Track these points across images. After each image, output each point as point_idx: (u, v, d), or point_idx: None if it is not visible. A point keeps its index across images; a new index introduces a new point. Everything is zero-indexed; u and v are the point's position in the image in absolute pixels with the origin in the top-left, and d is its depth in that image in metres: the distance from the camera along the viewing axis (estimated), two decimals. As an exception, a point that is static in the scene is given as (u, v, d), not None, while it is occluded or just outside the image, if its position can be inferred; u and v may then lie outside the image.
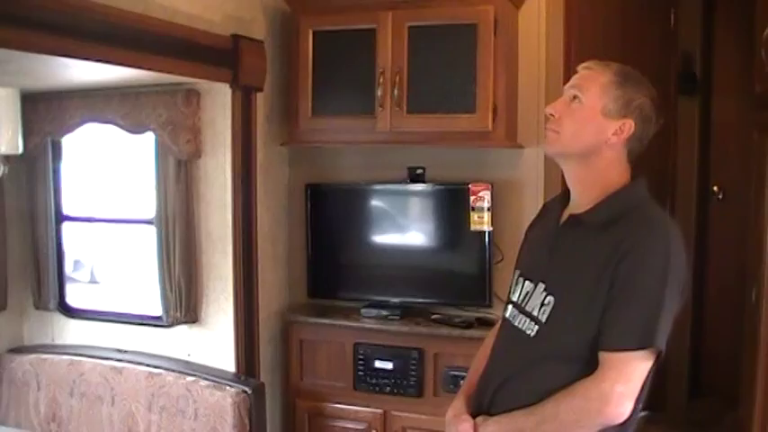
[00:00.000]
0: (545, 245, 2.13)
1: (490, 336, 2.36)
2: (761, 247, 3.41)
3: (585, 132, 2.01)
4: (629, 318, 1.87)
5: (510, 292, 2.23)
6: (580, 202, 2.07)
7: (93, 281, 5.01)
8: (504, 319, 2.21)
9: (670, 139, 4.85)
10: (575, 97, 2.03)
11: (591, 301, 1.91)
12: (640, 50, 4.44)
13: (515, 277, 2.23)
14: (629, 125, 2.00)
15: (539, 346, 2.03)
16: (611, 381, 1.87)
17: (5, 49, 2.67)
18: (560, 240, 2.09)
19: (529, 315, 2.07)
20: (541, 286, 2.06)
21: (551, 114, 2.06)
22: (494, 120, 3.59)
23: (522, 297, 2.13)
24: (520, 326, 2.10)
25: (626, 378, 1.87)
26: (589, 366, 1.90)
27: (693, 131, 5.07)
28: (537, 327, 2.04)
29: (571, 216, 2.08)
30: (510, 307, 2.20)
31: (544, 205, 2.41)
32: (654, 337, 1.86)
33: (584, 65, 2.10)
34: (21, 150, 3.12)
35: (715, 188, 5.23)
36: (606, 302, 1.89)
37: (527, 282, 2.14)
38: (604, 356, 1.89)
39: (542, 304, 2.03)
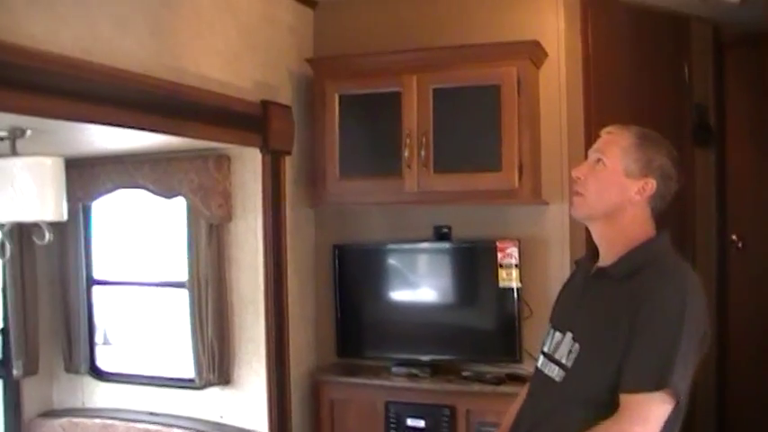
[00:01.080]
0: (574, 297, 2.27)
1: (525, 387, 2.44)
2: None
3: (609, 193, 2.13)
4: (646, 361, 1.95)
5: (542, 344, 2.32)
6: (607, 256, 2.17)
7: (106, 342, 5.02)
8: (537, 369, 2.30)
9: (687, 189, 4.90)
10: (598, 160, 2.15)
11: (611, 347, 1.99)
12: (656, 105, 4.52)
13: (548, 330, 2.33)
14: (651, 184, 2.11)
15: (564, 390, 2.11)
16: (629, 421, 1.94)
17: (49, 119, 2.76)
18: (587, 292, 2.21)
19: (557, 362, 2.16)
20: (569, 335, 2.16)
21: (578, 177, 2.17)
22: (519, 177, 3.67)
23: (552, 346, 2.23)
24: (549, 373, 2.19)
25: (643, 419, 1.94)
26: (610, 410, 1.96)
27: (710, 182, 5.12)
28: (563, 373, 2.13)
29: (598, 269, 2.18)
30: (541, 357, 2.29)
31: (576, 263, 2.50)
32: (668, 380, 1.93)
33: (606, 129, 2.21)
34: (65, 217, 3.18)
35: (734, 237, 5.27)
36: (625, 347, 1.97)
37: (557, 332, 2.24)
38: (623, 398, 1.96)
39: (569, 351, 2.12)
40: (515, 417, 2.32)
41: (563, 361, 2.14)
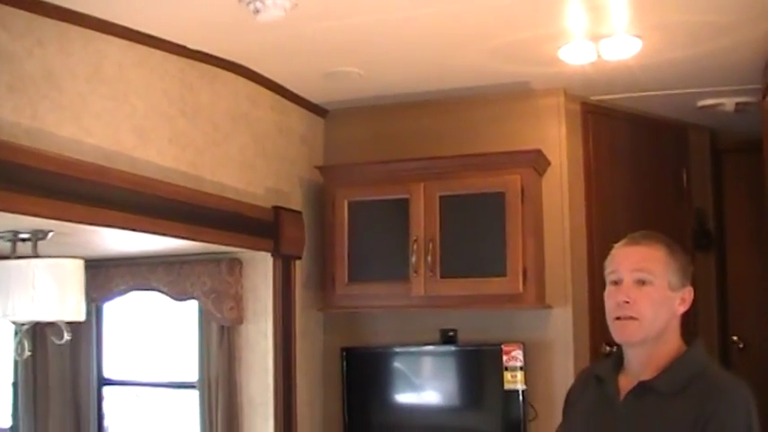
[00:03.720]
0: (607, 415, 2.05)
1: None
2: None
3: (662, 312, 1.98)
4: None
5: None
6: (645, 371, 2.00)
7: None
8: None
9: (690, 292, 4.96)
10: (642, 281, 1.99)
11: None
12: (656, 210, 4.63)
13: None
14: (689, 291, 2.02)
15: None
16: None
17: (71, 223, 2.87)
18: (629, 409, 2.00)
19: None
20: None
21: (626, 301, 1.98)
22: (524, 282, 3.76)
23: None
24: None
25: None
26: None
27: (711, 285, 5.21)
28: None
29: (639, 384, 1.99)
30: None
31: (584, 371, 2.36)
32: None
33: (626, 243, 2.06)
34: (84, 317, 3.28)
35: (735, 338, 5.32)
36: None
37: None
38: None
39: None
40: None
41: None
